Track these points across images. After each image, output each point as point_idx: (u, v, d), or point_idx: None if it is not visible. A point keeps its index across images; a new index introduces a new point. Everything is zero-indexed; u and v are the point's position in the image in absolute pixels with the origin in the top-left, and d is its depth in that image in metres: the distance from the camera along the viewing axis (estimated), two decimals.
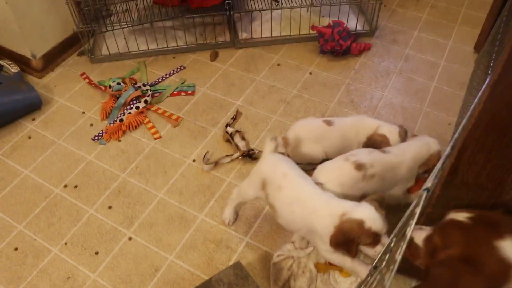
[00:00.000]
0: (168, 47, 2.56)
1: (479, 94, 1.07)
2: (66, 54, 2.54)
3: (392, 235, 1.14)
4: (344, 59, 2.49)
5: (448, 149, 1.10)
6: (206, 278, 1.60)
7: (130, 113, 2.17)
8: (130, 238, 1.75)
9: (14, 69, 2.33)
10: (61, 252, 1.71)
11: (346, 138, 1.85)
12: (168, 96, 2.30)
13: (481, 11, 2.77)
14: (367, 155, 1.61)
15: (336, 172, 1.58)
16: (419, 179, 1.74)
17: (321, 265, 1.60)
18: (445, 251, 1.05)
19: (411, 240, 1.18)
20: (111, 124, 2.14)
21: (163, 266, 1.66)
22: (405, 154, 1.65)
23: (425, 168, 1.69)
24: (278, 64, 2.47)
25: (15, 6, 2.17)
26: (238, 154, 1.99)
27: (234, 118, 2.17)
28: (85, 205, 1.86)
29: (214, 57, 2.53)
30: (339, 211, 1.38)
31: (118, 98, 2.24)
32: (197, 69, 2.46)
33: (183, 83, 2.37)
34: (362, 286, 1.27)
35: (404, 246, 0.88)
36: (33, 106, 2.21)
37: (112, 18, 2.64)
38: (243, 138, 2.06)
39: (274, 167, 1.54)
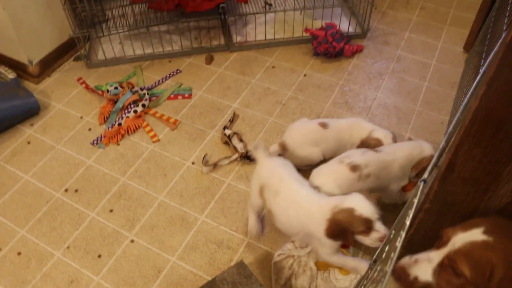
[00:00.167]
0: (163, 51, 2.58)
1: (471, 91, 1.12)
2: (62, 60, 2.56)
3: (392, 228, 1.17)
4: (338, 60, 2.53)
5: (443, 143, 1.14)
6: (209, 278, 1.63)
7: (128, 117, 2.19)
8: (132, 241, 1.77)
9: (11, 75, 2.35)
10: (64, 256, 1.73)
11: (340, 140, 1.89)
12: (165, 100, 2.32)
13: (470, 12, 2.83)
14: (361, 156, 1.64)
15: (332, 175, 1.62)
16: (412, 182, 1.78)
17: (322, 263, 1.63)
18: (492, 279, 0.99)
19: (406, 276, 1.13)
20: (110, 128, 2.16)
21: (165, 268, 1.69)
22: (397, 153, 1.69)
23: (416, 170, 1.72)
24: (273, 67, 2.51)
25: (12, 12, 2.18)
26: (236, 155, 2.02)
27: (231, 121, 2.20)
28: (86, 209, 1.88)
29: (210, 60, 2.56)
30: (329, 206, 1.42)
31: (115, 102, 2.26)
32: (193, 72, 2.49)
33: (179, 86, 2.39)
34: (364, 281, 1.31)
35: (404, 235, 0.91)
36: (31, 111, 2.23)
37: (108, 23, 2.66)
38: (240, 140, 2.09)
39: (271, 172, 1.58)
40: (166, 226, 1.81)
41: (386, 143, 1.82)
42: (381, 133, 1.85)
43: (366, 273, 1.30)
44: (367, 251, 1.71)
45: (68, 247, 1.76)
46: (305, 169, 1.96)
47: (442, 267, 1.09)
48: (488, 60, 1.06)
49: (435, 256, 1.11)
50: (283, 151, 1.93)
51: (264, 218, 1.77)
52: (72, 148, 2.11)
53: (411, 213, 0.90)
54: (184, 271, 1.68)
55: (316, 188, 1.58)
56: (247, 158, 2.00)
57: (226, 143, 2.09)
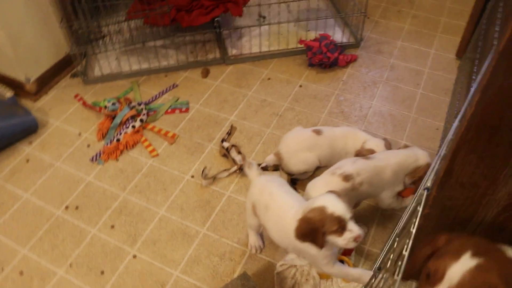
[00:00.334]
0: (160, 66, 2.60)
1: (469, 98, 1.14)
2: (59, 77, 2.58)
3: (394, 234, 1.19)
4: (332, 71, 2.56)
5: (441, 151, 1.16)
6: None
7: (126, 132, 2.20)
8: (134, 256, 1.77)
9: (8, 93, 2.36)
10: (67, 273, 1.73)
11: (334, 147, 1.91)
12: (163, 114, 2.34)
13: (461, 19, 2.87)
14: (351, 165, 1.66)
15: (326, 187, 1.62)
16: (409, 188, 1.80)
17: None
18: None
19: None
20: (108, 144, 2.17)
21: (169, 282, 1.69)
22: (389, 159, 1.70)
23: (411, 178, 1.73)
24: (269, 79, 2.53)
25: (9, 31, 2.20)
26: (235, 168, 2.03)
27: (229, 133, 2.21)
28: (88, 226, 1.88)
29: (206, 74, 2.58)
30: (302, 208, 1.40)
31: (113, 118, 2.27)
32: (189, 86, 2.51)
33: (176, 100, 2.41)
34: None
35: (410, 243, 0.92)
36: (29, 129, 2.24)
37: (104, 39, 2.68)
38: (239, 152, 2.10)
39: (262, 189, 1.58)
40: (168, 240, 1.82)
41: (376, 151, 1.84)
42: (373, 143, 1.87)
43: (370, 281, 1.31)
44: (369, 257, 1.73)
45: (70, 265, 1.76)
46: (303, 178, 1.98)
47: None
48: (482, 69, 1.09)
49: None
50: (279, 160, 1.95)
51: (263, 232, 1.78)
52: (71, 165, 2.12)
53: (416, 221, 0.92)
54: (187, 285, 1.68)
55: None
56: None
57: (224, 155, 2.11)
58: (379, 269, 1.18)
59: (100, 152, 2.16)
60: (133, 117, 2.26)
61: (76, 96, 2.47)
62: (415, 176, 1.71)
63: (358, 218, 1.82)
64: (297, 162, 1.92)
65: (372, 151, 1.84)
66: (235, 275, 1.69)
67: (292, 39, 2.67)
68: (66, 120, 2.34)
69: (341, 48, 2.60)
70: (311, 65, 2.58)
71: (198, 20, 2.48)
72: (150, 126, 2.27)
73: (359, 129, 2.07)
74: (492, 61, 0.95)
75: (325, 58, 2.49)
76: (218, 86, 2.50)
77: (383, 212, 1.87)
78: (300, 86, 2.47)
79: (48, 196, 2.00)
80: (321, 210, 1.34)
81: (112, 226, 1.88)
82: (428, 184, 0.95)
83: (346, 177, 1.62)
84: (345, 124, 2.24)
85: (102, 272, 1.73)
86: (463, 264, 1.03)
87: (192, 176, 2.04)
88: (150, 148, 2.17)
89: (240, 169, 2.02)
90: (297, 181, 1.98)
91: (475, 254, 1.03)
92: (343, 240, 1.35)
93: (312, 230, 1.35)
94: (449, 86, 2.43)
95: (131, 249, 1.80)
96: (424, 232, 1.39)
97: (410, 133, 2.19)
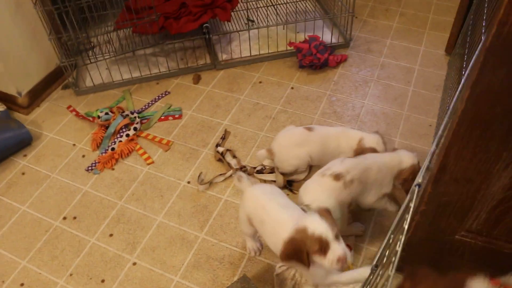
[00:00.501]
0: (151, 73, 2.61)
1: (457, 94, 1.16)
2: (51, 89, 2.58)
3: (389, 232, 1.20)
4: (323, 71, 2.58)
5: (433, 147, 1.17)
6: None
7: (121, 141, 2.21)
8: (134, 263, 1.78)
9: (0, 108, 2.36)
10: (68, 283, 1.73)
11: (326, 146, 1.92)
12: (156, 122, 2.34)
13: (448, 15, 2.90)
14: (340, 165, 1.68)
15: (318, 189, 1.66)
16: None
17: None
18: None
19: None
20: (103, 154, 2.18)
21: None
22: (376, 158, 1.74)
23: (398, 181, 1.75)
24: (260, 82, 2.54)
25: None
26: (231, 172, 2.04)
27: (223, 138, 2.22)
28: (86, 235, 1.88)
29: (197, 80, 2.59)
30: (290, 227, 1.37)
31: (107, 127, 2.27)
32: (181, 93, 2.52)
33: (169, 107, 2.42)
34: (366, 287, 1.33)
35: (403, 239, 0.94)
36: (23, 142, 2.24)
37: (94, 50, 2.69)
38: (234, 156, 2.11)
39: (254, 202, 1.56)
40: (167, 247, 1.82)
41: (380, 149, 1.86)
42: (372, 141, 1.88)
43: (368, 278, 1.33)
44: (368, 255, 1.74)
45: (71, 275, 1.76)
46: (298, 179, 1.99)
47: None
48: (470, 64, 1.11)
49: None
50: (271, 156, 1.97)
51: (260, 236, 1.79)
52: (67, 176, 2.12)
53: (408, 217, 0.93)
54: None
55: (306, 206, 1.61)
56: None
57: (219, 160, 2.12)
58: (376, 266, 1.19)
59: (95, 162, 2.16)
60: (127, 126, 2.27)
61: (68, 107, 2.47)
62: (401, 178, 1.73)
63: (356, 217, 1.85)
64: (288, 157, 1.94)
65: (374, 150, 1.86)
66: (235, 278, 1.70)
67: (281, 41, 2.69)
68: (60, 132, 2.34)
69: (331, 48, 2.62)
70: (301, 66, 2.59)
71: (186, 27, 2.49)
72: (144, 134, 2.28)
73: (351, 127, 2.09)
74: (480, 57, 0.97)
75: (315, 59, 2.51)
76: (210, 91, 2.51)
77: (380, 211, 1.88)
78: (292, 88, 2.49)
79: (46, 208, 2.00)
80: (303, 230, 1.32)
81: (111, 235, 1.88)
82: (419, 180, 0.96)
83: (337, 176, 1.64)
84: (339, 124, 2.25)
85: (103, 281, 1.73)
86: None
87: (188, 182, 2.05)
88: (145, 156, 2.17)
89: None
90: (292, 183, 2.00)
91: None
92: (327, 261, 1.31)
93: (295, 251, 1.34)
94: (440, 82, 2.46)
95: (131, 256, 1.80)
96: (421, 229, 1.41)
97: (403, 130, 2.21)
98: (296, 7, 2.91)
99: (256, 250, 1.76)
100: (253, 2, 2.71)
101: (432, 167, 1.24)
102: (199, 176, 2.04)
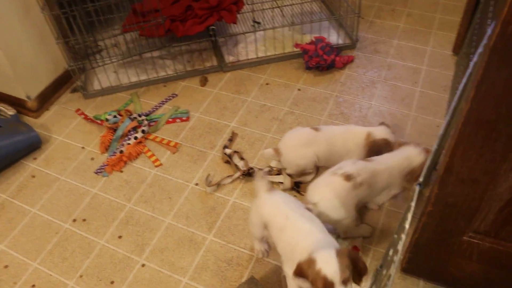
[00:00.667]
0: (158, 76, 2.62)
1: (458, 95, 1.16)
2: (59, 93, 2.60)
3: (395, 232, 1.21)
4: (330, 73, 2.58)
5: (435, 146, 1.17)
6: None
7: (129, 144, 2.22)
8: (143, 265, 1.79)
9: (10, 111, 2.38)
10: (78, 285, 1.75)
11: (333, 145, 1.93)
12: (164, 124, 2.36)
13: (455, 15, 2.89)
14: (352, 166, 1.70)
15: (328, 186, 1.67)
16: None
17: None
18: None
19: None
20: (112, 156, 2.19)
21: None
22: (387, 162, 1.75)
23: (411, 180, 1.76)
24: (267, 84, 2.55)
25: (7, 51, 2.23)
26: (238, 174, 2.05)
27: (231, 140, 2.23)
28: (96, 237, 1.90)
29: (204, 82, 2.60)
30: (309, 250, 1.34)
31: (115, 130, 2.29)
32: (188, 95, 2.53)
33: (176, 110, 2.43)
34: (373, 286, 1.34)
35: (404, 238, 0.94)
36: (33, 145, 2.26)
37: (101, 53, 2.71)
38: (241, 158, 2.12)
39: (275, 210, 1.54)
40: (175, 248, 1.84)
41: (391, 139, 1.89)
42: (381, 132, 1.91)
43: (374, 278, 1.33)
44: (375, 257, 1.74)
45: (81, 276, 1.78)
46: (306, 181, 2.00)
47: None
48: (472, 64, 1.11)
49: None
50: (278, 156, 1.97)
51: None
52: (76, 178, 2.14)
53: (409, 216, 0.94)
54: None
55: (313, 205, 1.62)
56: (249, 175, 2.04)
57: (227, 162, 2.13)
58: (381, 267, 1.19)
59: (104, 164, 2.18)
60: (135, 129, 2.29)
61: (77, 110, 2.49)
62: (414, 178, 1.75)
63: (363, 219, 1.85)
64: (295, 157, 1.94)
65: (386, 140, 1.88)
66: (243, 280, 1.70)
67: (287, 43, 2.70)
68: (69, 135, 2.36)
69: (337, 49, 2.63)
70: (308, 68, 2.60)
71: (192, 29, 2.51)
72: (152, 137, 2.29)
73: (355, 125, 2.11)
74: (484, 57, 0.97)
75: (321, 61, 2.51)
76: (217, 93, 2.52)
77: (388, 213, 1.88)
78: (299, 89, 2.49)
79: (55, 210, 2.02)
80: (312, 263, 1.28)
81: (120, 237, 1.90)
82: (421, 179, 0.97)
83: (348, 177, 1.65)
84: (346, 125, 2.25)
85: (112, 282, 1.75)
86: None
87: (196, 184, 2.06)
88: (153, 158, 2.19)
89: (243, 174, 2.04)
90: (300, 184, 2.00)
91: None
92: None
93: (303, 277, 1.31)
94: (447, 82, 2.45)
95: (139, 258, 1.82)
96: (428, 230, 1.41)
97: (411, 131, 2.21)
98: (302, 8, 2.91)
99: (264, 252, 1.76)
100: (259, 4, 2.72)
101: (438, 167, 1.24)
102: (207, 178, 2.05)
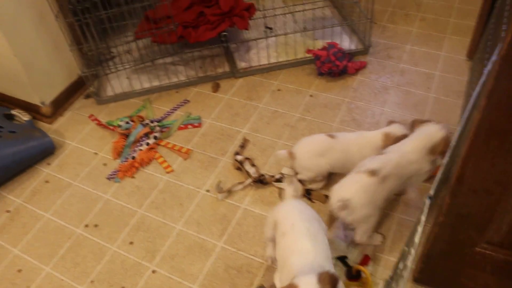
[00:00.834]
0: (170, 82, 2.64)
1: (471, 104, 1.14)
2: (73, 98, 2.63)
3: (405, 244, 1.19)
4: (342, 79, 2.57)
5: (447, 158, 1.16)
6: None
7: (141, 150, 2.24)
8: (153, 271, 1.80)
9: (25, 117, 2.41)
10: None
11: (348, 152, 1.93)
12: (175, 130, 2.37)
13: (469, 19, 2.86)
14: (373, 162, 1.71)
15: (355, 185, 1.67)
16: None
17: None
18: None
19: None
20: (124, 162, 2.21)
21: None
22: (401, 150, 1.75)
23: (436, 155, 1.75)
24: (279, 90, 2.55)
25: (22, 57, 2.26)
26: (249, 180, 2.05)
27: (242, 146, 2.23)
28: (107, 243, 1.91)
29: (216, 88, 2.61)
30: (295, 271, 1.32)
31: (127, 136, 2.31)
32: (200, 101, 2.54)
33: (188, 116, 2.44)
34: None
35: (413, 252, 0.93)
36: (47, 151, 2.29)
37: (114, 59, 2.73)
38: (252, 165, 2.12)
39: (286, 214, 1.55)
40: (186, 255, 1.84)
41: (408, 133, 1.88)
42: (397, 130, 1.91)
43: None
44: (387, 265, 1.73)
45: (92, 281, 1.79)
46: (316, 188, 1.99)
47: None
48: (486, 71, 1.09)
49: None
50: (291, 159, 1.97)
51: None
52: (89, 184, 2.16)
53: (420, 229, 0.92)
54: None
55: (345, 202, 1.62)
56: (260, 182, 2.03)
57: (238, 168, 2.13)
58: (391, 279, 1.18)
59: (116, 170, 2.19)
60: (147, 135, 2.30)
61: (90, 116, 2.51)
62: (437, 153, 1.74)
63: (375, 227, 1.83)
64: (309, 164, 1.94)
65: (404, 136, 1.86)
66: (253, 287, 1.70)
67: (299, 49, 2.69)
68: (82, 140, 2.38)
69: (350, 55, 2.61)
70: (320, 74, 2.59)
71: (205, 35, 2.51)
72: (164, 143, 2.30)
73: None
74: (495, 66, 0.96)
75: (334, 67, 2.50)
76: (229, 99, 2.53)
77: (399, 221, 1.87)
78: (311, 95, 2.49)
79: (68, 215, 2.04)
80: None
81: (131, 243, 1.90)
82: (431, 192, 0.95)
83: (372, 172, 1.66)
84: (357, 131, 2.24)
85: None
86: None
87: (207, 190, 2.07)
88: (165, 164, 2.20)
89: (255, 181, 2.04)
90: (311, 191, 1.99)
91: None
92: None
93: None
94: (461, 88, 2.42)
95: (150, 264, 1.82)
96: (441, 241, 1.39)
97: None
98: (314, 14, 2.90)
99: (274, 259, 1.75)
100: (271, 10, 2.72)
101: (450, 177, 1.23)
102: (218, 184, 2.06)
